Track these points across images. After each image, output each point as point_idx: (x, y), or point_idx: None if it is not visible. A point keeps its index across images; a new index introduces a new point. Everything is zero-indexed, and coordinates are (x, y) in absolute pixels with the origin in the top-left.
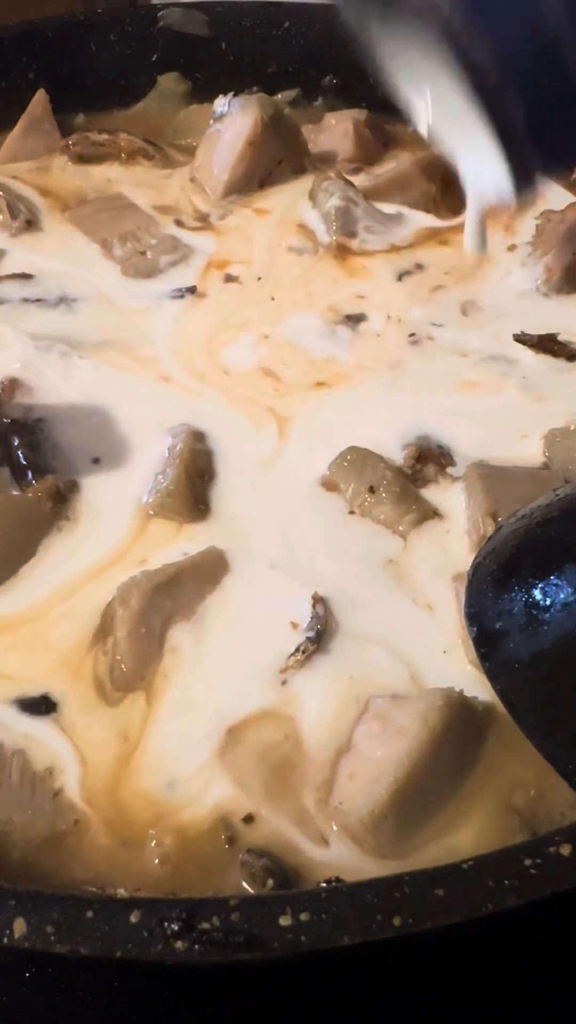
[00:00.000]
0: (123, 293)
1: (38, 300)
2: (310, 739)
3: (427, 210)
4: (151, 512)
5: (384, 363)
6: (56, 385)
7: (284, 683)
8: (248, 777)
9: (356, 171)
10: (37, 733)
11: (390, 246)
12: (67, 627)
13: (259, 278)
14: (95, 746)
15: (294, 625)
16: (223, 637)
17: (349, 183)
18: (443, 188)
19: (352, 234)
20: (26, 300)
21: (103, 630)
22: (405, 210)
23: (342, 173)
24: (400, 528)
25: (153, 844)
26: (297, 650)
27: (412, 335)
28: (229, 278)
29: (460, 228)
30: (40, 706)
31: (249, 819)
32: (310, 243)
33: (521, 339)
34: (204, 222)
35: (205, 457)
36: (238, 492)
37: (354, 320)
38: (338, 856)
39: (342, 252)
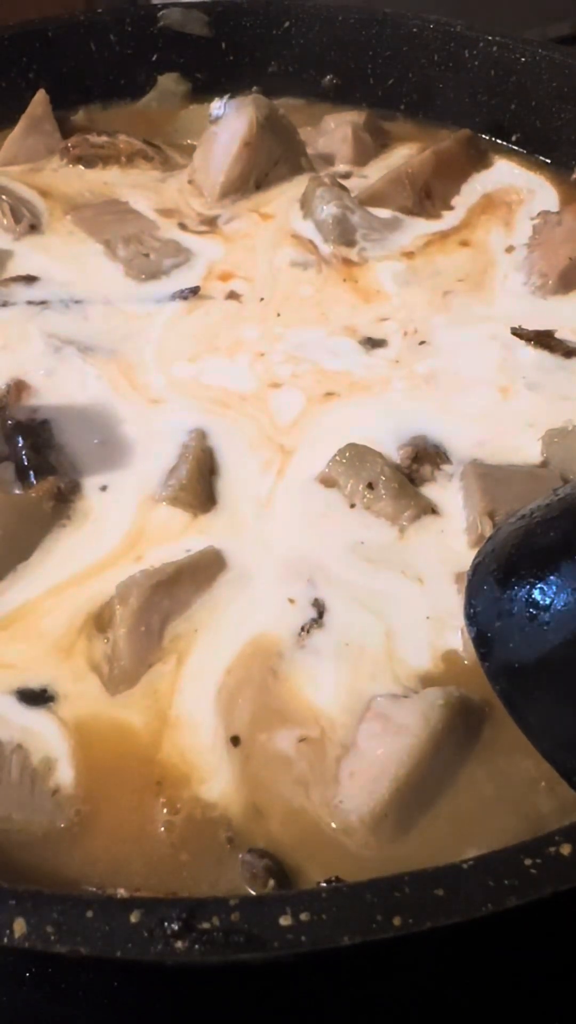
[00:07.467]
0: (127, 295)
1: (43, 302)
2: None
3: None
4: (165, 502)
5: (390, 371)
6: (62, 388)
7: (283, 657)
8: (242, 711)
9: (347, 175)
10: (36, 726)
11: (398, 253)
12: (68, 623)
13: (261, 299)
14: (97, 738)
15: (291, 601)
16: (223, 632)
17: (344, 189)
18: (424, 196)
19: (351, 243)
20: (31, 303)
21: (101, 624)
22: (401, 215)
23: (336, 179)
24: (400, 523)
25: (165, 812)
26: (297, 632)
27: (423, 343)
28: (233, 294)
29: (460, 229)
30: (40, 697)
31: (236, 740)
32: (312, 255)
33: (519, 333)
34: (207, 225)
35: (211, 455)
36: (240, 488)
37: (373, 343)
38: (338, 855)
39: (347, 264)
